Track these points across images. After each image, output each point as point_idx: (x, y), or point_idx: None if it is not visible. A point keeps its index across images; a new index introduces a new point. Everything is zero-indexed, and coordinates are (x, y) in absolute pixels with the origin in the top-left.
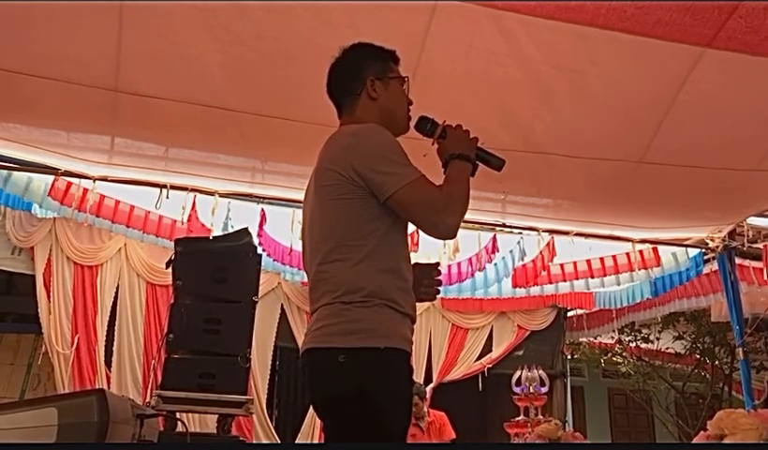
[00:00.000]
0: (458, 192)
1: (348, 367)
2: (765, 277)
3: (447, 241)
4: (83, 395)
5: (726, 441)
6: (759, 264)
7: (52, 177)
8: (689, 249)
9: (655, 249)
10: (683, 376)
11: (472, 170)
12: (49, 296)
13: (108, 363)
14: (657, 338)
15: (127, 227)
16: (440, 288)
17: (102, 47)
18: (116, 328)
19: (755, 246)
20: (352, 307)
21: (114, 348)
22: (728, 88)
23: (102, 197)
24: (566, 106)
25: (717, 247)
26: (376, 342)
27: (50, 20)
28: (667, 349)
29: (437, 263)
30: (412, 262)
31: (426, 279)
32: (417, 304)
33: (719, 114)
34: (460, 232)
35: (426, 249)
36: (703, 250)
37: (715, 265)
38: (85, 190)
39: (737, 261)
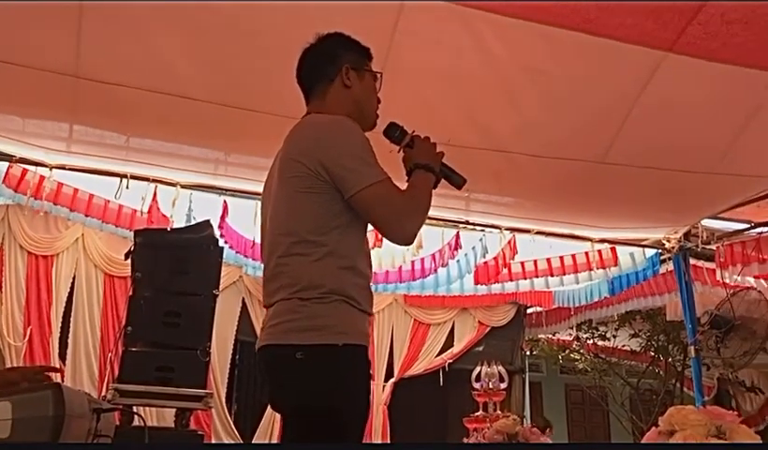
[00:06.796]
0: (420, 200)
1: (306, 364)
2: (717, 278)
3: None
4: (39, 388)
5: (676, 436)
6: (712, 265)
7: (6, 164)
8: (646, 250)
9: (613, 249)
10: (638, 373)
11: (434, 182)
12: (0, 286)
13: (62, 356)
14: (614, 336)
15: (86, 216)
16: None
17: (61, 31)
18: (72, 320)
19: (708, 247)
20: (309, 304)
21: (69, 340)
22: (687, 93)
23: (60, 185)
24: (529, 105)
25: (673, 247)
26: (334, 339)
27: (6, 2)
28: (623, 346)
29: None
30: (375, 253)
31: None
32: (382, 293)
33: (678, 118)
34: (424, 228)
35: (390, 245)
36: (660, 251)
37: (670, 266)
38: (42, 178)
39: (691, 261)
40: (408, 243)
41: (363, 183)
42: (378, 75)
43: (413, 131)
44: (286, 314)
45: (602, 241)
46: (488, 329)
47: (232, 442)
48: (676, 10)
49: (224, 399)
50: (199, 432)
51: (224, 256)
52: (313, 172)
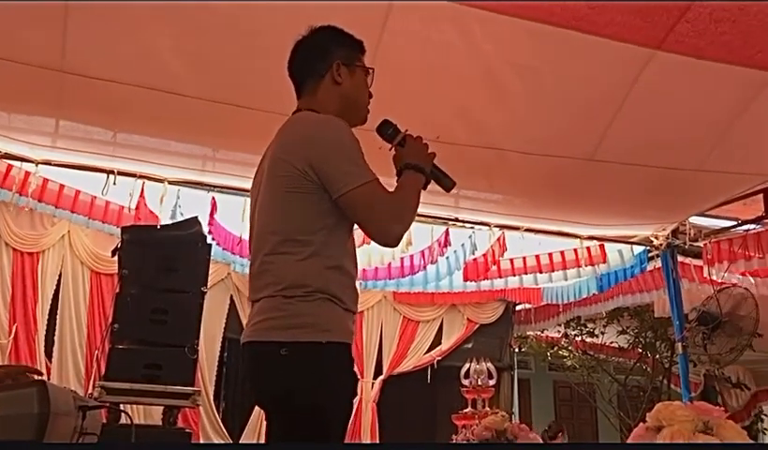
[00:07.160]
0: (408, 202)
1: (290, 361)
2: (705, 275)
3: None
4: (23, 386)
5: (663, 432)
6: (699, 262)
7: None
8: (634, 247)
9: (601, 246)
10: (625, 369)
11: (424, 183)
12: None
13: (48, 353)
14: (602, 333)
15: (72, 212)
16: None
17: (47, 26)
18: (58, 318)
19: (696, 244)
20: (294, 301)
21: (56, 338)
22: (675, 90)
23: (45, 181)
24: (519, 102)
25: (661, 244)
26: (317, 337)
27: None
28: (611, 343)
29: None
30: (364, 250)
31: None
32: (371, 290)
33: (666, 116)
34: (413, 225)
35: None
36: (648, 248)
37: (658, 262)
38: (27, 173)
39: (679, 258)
40: (394, 245)
41: (351, 184)
42: (370, 70)
43: (406, 130)
44: (270, 311)
45: (591, 238)
46: (477, 326)
47: (220, 440)
48: (665, 9)
49: (212, 397)
50: (187, 430)
51: (212, 253)
52: (300, 173)
